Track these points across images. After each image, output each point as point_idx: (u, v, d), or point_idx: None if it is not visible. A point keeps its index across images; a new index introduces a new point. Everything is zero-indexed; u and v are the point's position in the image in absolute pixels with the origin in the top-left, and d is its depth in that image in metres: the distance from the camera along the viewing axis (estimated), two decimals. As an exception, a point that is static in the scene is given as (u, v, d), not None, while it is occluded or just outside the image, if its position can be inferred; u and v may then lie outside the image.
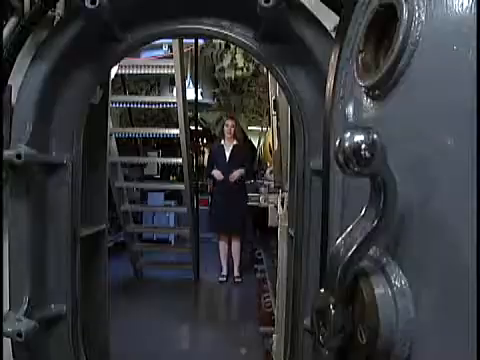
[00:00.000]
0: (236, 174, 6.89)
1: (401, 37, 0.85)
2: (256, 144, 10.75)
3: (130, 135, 6.98)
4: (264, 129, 9.76)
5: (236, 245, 7.23)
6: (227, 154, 7.02)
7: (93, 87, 2.21)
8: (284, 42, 1.97)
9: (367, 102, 1.02)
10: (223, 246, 7.30)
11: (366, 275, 0.88)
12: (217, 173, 6.95)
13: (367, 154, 0.72)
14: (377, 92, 0.96)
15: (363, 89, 1.02)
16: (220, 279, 7.15)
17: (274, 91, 4.09)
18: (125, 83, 7.64)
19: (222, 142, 7.15)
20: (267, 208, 5.85)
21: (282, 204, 3.58)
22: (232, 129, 7.04)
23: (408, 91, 0.86)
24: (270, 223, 5.54)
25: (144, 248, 7.60)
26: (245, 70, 8.82)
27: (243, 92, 10.57)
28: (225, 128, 7.08)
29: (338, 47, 1.22)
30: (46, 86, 1.94)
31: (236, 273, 7.21)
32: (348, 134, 0.73)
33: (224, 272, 7.25)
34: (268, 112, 6.10)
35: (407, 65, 0.86)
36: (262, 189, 6.92)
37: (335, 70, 1.23)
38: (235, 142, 7.08)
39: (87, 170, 2.42)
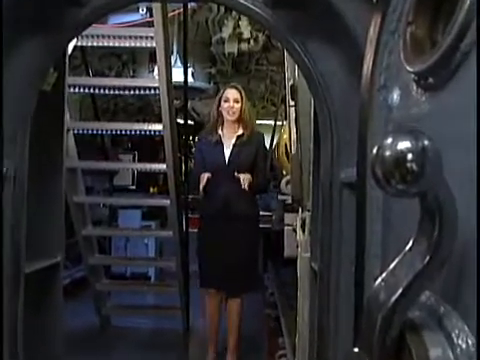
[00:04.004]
0: (245, 178, 5.37)
1: (468, 2, 0.85)
2: (268, 144, 10.75)
3: (95, 132, 7.00)
4: (279, 123, 9.76)
5: (235, 308, 5.67)
6: (227, 152, 5.55)
7: (44, 68, 2.22)
8: (304, 7, 1.98)
9: (417, 93, 1.02)
10: (213, 311, 5.72)
11: (416, 329, 0.88)
12: (205, 176, 5.41)
13: (415, 167, 0.72)
14: (431, 80, 0.96)
15: (412, 75, 1.02)
16: None
17: (292, 73, 4.11)
18: (87, 60, 7.66)
19: (219, 132, 5.61)
20: (282, 232, 5.86)
21: (302, 227, 3.58)
22: (236, 106, 5.49)
23: (475, 79, 0.86)
24: (287, 253, 5.54)
25: (113, 287, 7.59)
26: (253, 42, 8.82)
27: (250, 73, 10.59)
28: (223, 105, 5.52)
29: (380, 15, 1.23)
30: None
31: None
32: (389, 139, 0.73)
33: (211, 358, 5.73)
34: (284, 101, 6.10)
35: (475, 43, 0.86)
36: (276, 206, 6.93)
37: (375, 48, 1.23)
38: (240, 131, 5.56)
39: (36, 181, 2.43)
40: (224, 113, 5.51)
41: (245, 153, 5.52)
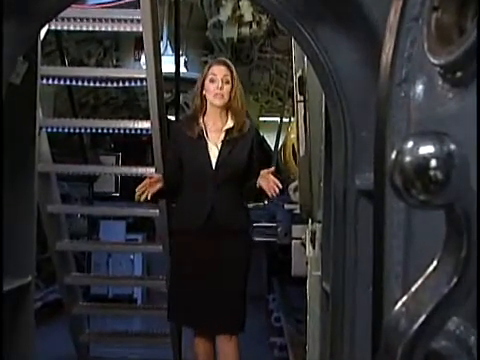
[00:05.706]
0: (273, 183, 4.37)
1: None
2: (273, 145, 10.73)
3: (72, 130, 7.00)
4: (286, 120, 9.77)
5: (229, 350, 4.68)
6: (213, 152, 4.74)
7: (12, 58, 2.23)
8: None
9: (443, 89, 1.03)
10: (205, 351, 4.84)
11: (443, 361, 0.88)
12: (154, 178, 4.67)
13: (439, 175, 0.73)
14: (459, 74, 0.97)
15: (437, 68, 1.03)
16: None
17: (301, 62, 4.12)
18: (62, 46, 7.66)
19: (201, 123, 4.75)
20: (290, 246, 5.85)
21: (312, 241, 3.59)
22: (225, 87, 4.68)
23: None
24: (294, 271, 5.54)
25: (93, 311, 7.57)
26: (255, 26, 8.83)
27: (252, 62, 10.60)
28: (209, 86, 4.69)
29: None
30: None
31: None
32: (410, 143, 0.74)
33: None
34: (291, 94, 6.10)
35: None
36: (282, 216, 6.91)
37: (395, 36, 1.24)
38: (230, 123, 4.75)
39: (3, 187, 2.43)
40: (209, 97, 4.68)
41: (238, 154, 4.75)
